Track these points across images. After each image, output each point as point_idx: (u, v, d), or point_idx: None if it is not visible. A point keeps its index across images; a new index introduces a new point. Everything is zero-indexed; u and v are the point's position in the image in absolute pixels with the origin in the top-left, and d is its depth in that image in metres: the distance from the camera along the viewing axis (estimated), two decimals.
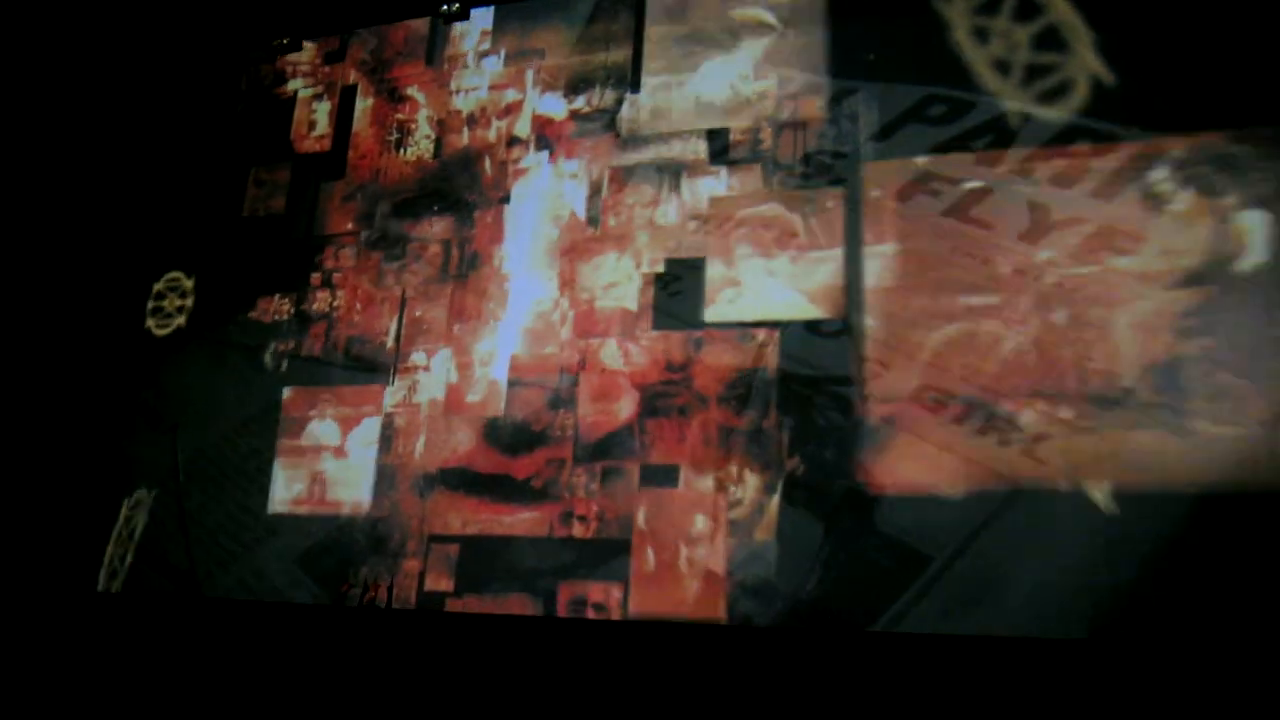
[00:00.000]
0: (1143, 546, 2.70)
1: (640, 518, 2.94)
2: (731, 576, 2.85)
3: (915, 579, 2.95)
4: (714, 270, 3.05)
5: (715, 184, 3.25)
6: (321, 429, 3.63)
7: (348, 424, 3.65)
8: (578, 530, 3.34)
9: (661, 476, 3.06)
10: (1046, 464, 2.52)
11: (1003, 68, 3.26)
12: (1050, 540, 2.80)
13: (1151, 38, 3.06)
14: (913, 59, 3.52)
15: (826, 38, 3.53)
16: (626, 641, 3.15)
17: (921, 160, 2.77)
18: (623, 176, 3.57)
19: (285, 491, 3.62)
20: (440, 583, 3.63)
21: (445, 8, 4.64)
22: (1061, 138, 2.74)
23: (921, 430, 2.73)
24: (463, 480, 3.86)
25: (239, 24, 5.09)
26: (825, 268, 2.88)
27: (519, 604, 3.23)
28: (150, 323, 5.25)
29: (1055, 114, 2.92)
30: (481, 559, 3.61)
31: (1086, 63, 3.04)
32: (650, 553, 2.91)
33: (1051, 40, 3.35)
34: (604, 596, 2.99)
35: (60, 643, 4.27)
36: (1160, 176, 2.57)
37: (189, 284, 5.09)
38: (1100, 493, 2.48)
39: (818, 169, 3.42)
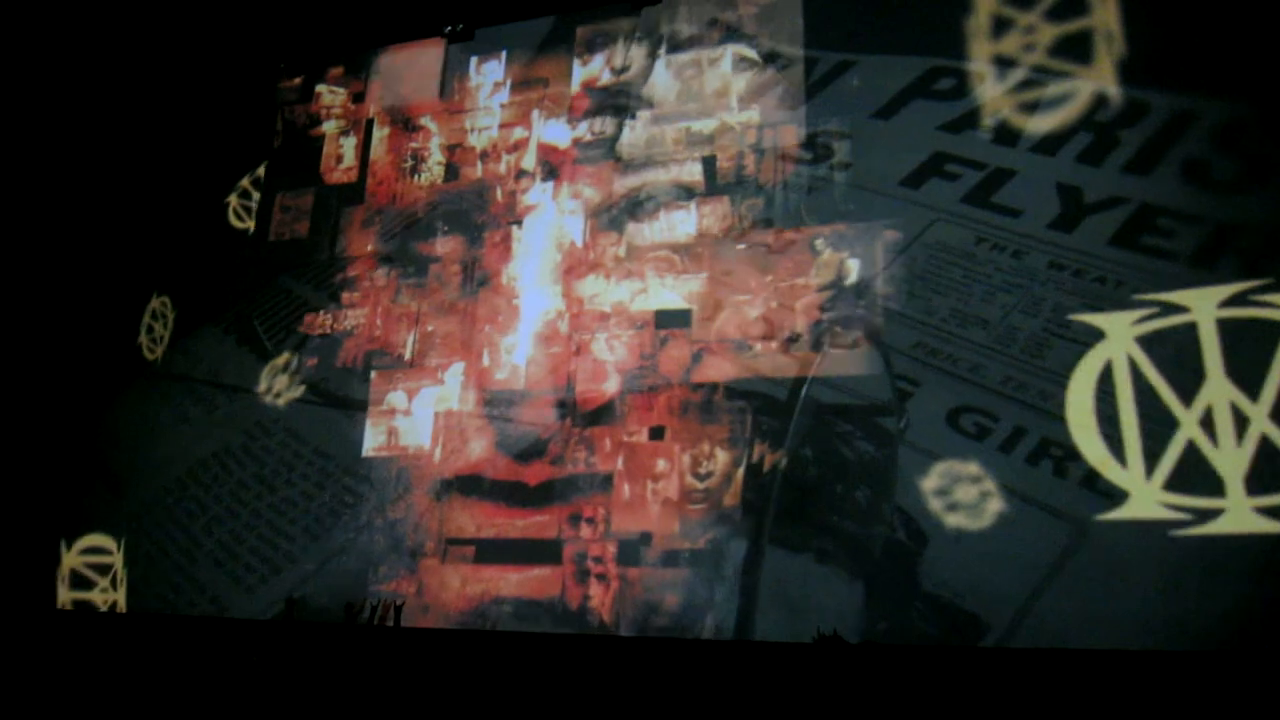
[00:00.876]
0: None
1: (619, 462, 3.69)
2: (704, 535, 3.50)
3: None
4: (634, 284, 4.04)
5: (686, 216, 3.91)
6: (395, 397, 4.28)
7: (412, 393, 4.27)
8: (585, 532, 3.77)
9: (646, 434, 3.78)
10: (764, 362, 3.63)
11: (1002, 65, 3.58)
12: (1125, 578, 2.83)
13: None
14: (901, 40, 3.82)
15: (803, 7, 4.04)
16: (624, 656, 3.42)
17: (722, 236, 3.96)
18: (601, 219, 4.16)
19: (372, 441, 4.27)
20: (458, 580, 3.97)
21: (450, 28, 4.86)
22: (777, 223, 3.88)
23: (717, 354, 3.71)
24: (476, 486, 4.11)
25: (262, 52, 5.23)
26: (688, 283, 3.90)
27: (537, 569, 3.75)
28: (142, 339, 5.31)
29: (1038, 125, 3.50)
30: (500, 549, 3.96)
31: (1101, 72, 3.43)
32: (626, 487, 3.64)
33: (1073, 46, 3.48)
34: (603, 558, 3.62)
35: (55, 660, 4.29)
36: (819, 243, 3.68)
37: (171, 315, 5.20)
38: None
39: (821, 152, 3.80)
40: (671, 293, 3.85)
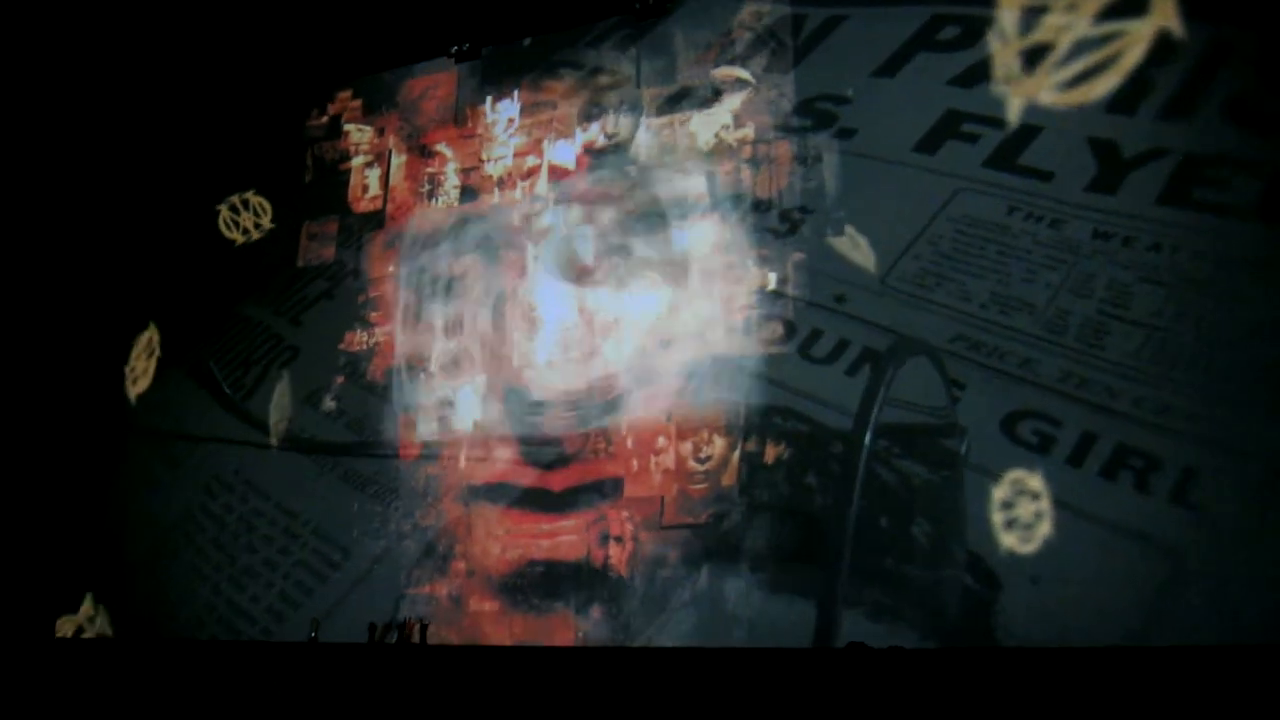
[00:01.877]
0: None
1: (629, 441, 4.01)
2: (706, 511, 3.78)
3: None
4: (627, 290, 4.31)
5: (681, 234, 4.25)
6: (442, 393, 4.69)
7: (456, 389, 4.67)
8: (611, 530, 3.97)
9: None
10: (718, 345, 3.85)
11: (1032, 57, 3.13)
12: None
13: None
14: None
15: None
16: (640, 667, 3.45)
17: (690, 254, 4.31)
18: (609, 237, 4.46)
19: (425, 429, 4.60)
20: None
21: (456, 48, 5.10)
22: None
23: (680, 342, 4.04)
24: (503, 494, 4.27)
25: (271, 70, 5.31)
26: (665, 291, 4.19)
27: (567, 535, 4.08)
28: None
29: (1068, 99, 3.04)
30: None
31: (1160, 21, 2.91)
32: (634, 461, 3.98)
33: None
34: (620, 529, 3.94)
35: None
36: (749, 261, 3.94)
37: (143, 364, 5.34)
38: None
39: (819, 120, 3.66)
40: (653, 299, 4.26)
